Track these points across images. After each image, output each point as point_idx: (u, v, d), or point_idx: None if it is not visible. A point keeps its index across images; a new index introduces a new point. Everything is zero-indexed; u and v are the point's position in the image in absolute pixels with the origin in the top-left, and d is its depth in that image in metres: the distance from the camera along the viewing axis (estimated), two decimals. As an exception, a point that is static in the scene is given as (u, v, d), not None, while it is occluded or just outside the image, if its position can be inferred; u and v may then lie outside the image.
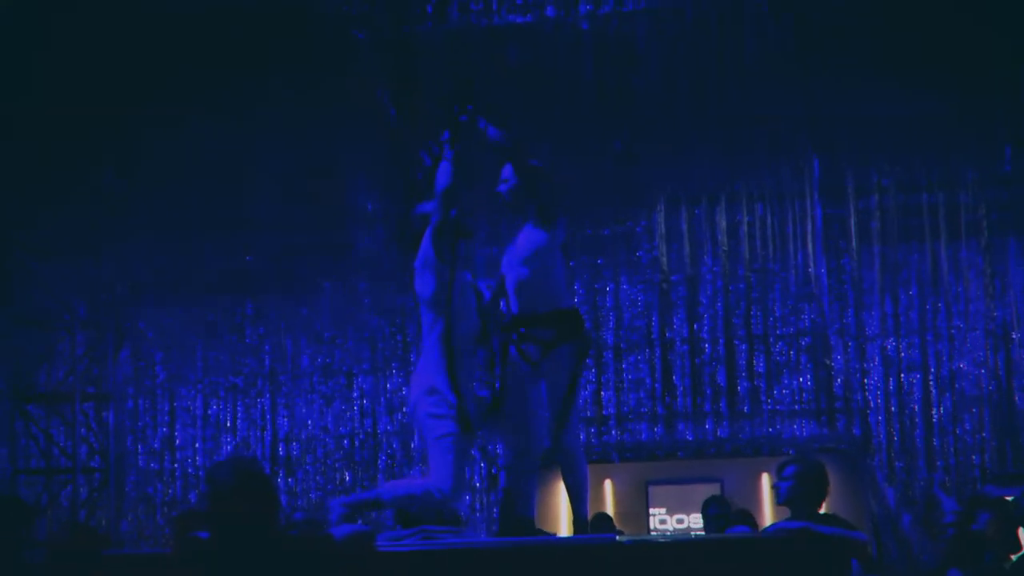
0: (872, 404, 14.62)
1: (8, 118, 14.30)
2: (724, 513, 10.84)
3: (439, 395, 7.04)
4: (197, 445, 16.29)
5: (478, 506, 15.07)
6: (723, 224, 15.13)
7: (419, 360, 7.29)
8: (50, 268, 16.00)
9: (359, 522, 7.09)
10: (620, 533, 10.36)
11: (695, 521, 13.70)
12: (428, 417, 7.06)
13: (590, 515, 7.81)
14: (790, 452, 14.01)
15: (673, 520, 14.66)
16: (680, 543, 7.24)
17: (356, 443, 15.86)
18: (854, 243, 14.76)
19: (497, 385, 7.28)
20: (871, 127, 14.47)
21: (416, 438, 15.12)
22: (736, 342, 15.00)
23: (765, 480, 14.03)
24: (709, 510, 11.19)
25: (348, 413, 15.92)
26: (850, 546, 7.03)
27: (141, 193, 15.69)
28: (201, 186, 15.50)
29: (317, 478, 15.90)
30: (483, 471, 15.09)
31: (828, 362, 14.72)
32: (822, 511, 7.62)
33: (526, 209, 7.42)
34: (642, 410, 15.18)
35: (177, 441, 16.35)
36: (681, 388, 15.10)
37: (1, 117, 14.24)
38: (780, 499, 7.68)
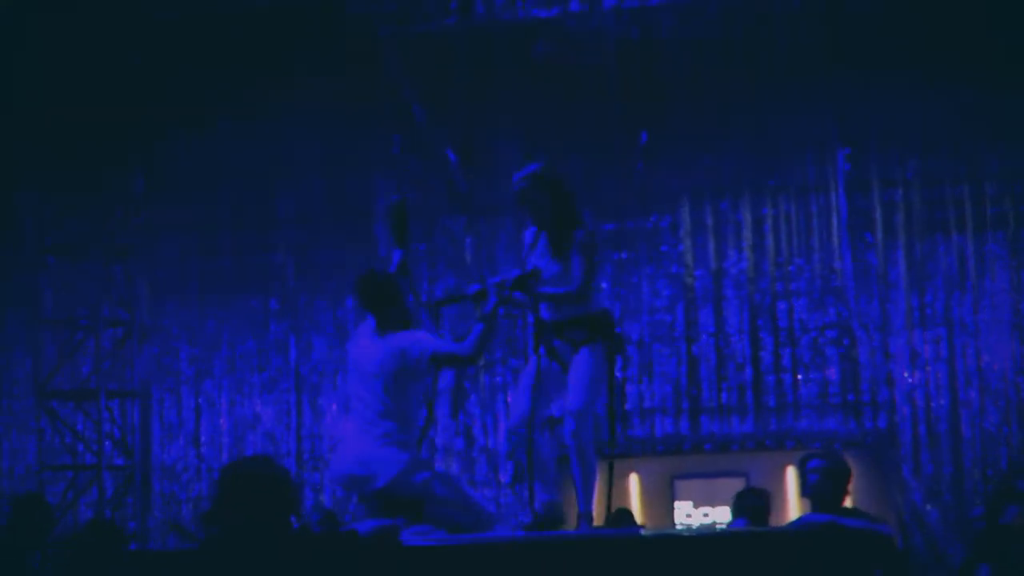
0: (898, 397, 14.57)
1: (35, 122, 14.37)
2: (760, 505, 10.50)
3: (418, 461, 7.17)
4: (223, 441, 16.31)
5: (503, 501, 15.06)
6: (748, 218, 15.10)
7: (373, 429, 7.25)
8: (75, 266, 16.06)
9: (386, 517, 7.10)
10: (643, 527, 10.33)
11: (721, 515, 13.69)
12: (421, 485, 7.11)
13: (612, 509, 7.83)
14: (815, 446, 14.00)
15: (699, 514, 14.65)
16: (706, 537, 7.21)
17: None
18: (879, 236, 14.71)
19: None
20: (896, 120, 14.44)
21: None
22: (761, 335, 14.96)
23: (790, 474, 14.00)
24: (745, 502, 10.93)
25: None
26: (876, 540, 7.00)
27: (166, 191, 15.76)
28: (226, 183, 15.57)
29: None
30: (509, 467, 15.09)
31: (853, 355, 14.67)
32: (845, 505, 7.61)
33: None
34: (667, 404, 15.16)
35: (202, 437, 16.37)
36: (706, 382, 15.08)
37: (28, 121, 14.32)
38: (804, 492, 7.68)
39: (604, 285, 15.36)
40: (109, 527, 10.52)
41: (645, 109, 14.49)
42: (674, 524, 14.52)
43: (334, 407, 15.91)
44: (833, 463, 7.65)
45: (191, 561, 5.76)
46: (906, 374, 14.57)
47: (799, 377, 14.82)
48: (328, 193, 15.70)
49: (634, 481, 14.82)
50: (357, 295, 7.61)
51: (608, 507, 7.61)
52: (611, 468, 7.37)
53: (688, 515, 14.69)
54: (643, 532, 6.84)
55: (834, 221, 14.86)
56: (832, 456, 7.84)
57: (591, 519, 7.31)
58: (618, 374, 15.25)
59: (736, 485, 14.12)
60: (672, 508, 14.75)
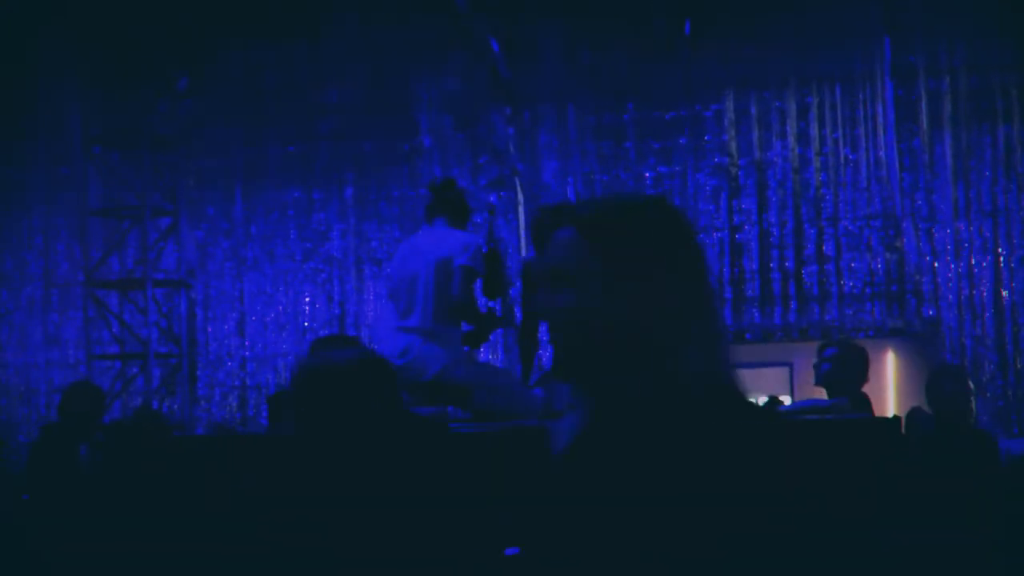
0: (942, 287, 14.54)
1: (81, 13, 14.37)
2: None
3: (461, 353, 7.30)
4: (267, 330, 16.42)
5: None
6: (792, 108, 15.02)
7: (420, 321, 7.28)
8: (121, 157, 16.14)
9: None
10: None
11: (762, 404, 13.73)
12: (467, 375, 7.19)
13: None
14: (859, 336, 14.01)
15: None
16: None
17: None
18: (925, 125, 14.61)
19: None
20: (943, 7, 14.29)
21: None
22: (805, 225, 14.92)
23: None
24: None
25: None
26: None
27: (210, 82, 15.79)
28: (268, 76, 15.58)
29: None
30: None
31: (898, 245, 14.63)
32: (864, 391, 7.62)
33: None
34: (710, 294, 15.15)
35: (247, 327, 16.49)
36: (749, 272, 15.08)
37: (74, 12, 14.32)
38: (817, 380, 7.70)
39: (647, 175, 15.35)
40: (153, 415, 10.65)
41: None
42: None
43: (373, 298, 15.99)
44: (845, 351, 7.66)
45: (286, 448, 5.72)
46: (951, 263, 14.52)
47: (843, 267, 14.80)
48: (370, 83, 15.68)
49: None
50: (436, 189, 7.62)
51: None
52: None
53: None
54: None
55: (879, 110, 14.76)
56: (845, 344, 7.84)
57: None
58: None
59: (779, 375, 14.23)
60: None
